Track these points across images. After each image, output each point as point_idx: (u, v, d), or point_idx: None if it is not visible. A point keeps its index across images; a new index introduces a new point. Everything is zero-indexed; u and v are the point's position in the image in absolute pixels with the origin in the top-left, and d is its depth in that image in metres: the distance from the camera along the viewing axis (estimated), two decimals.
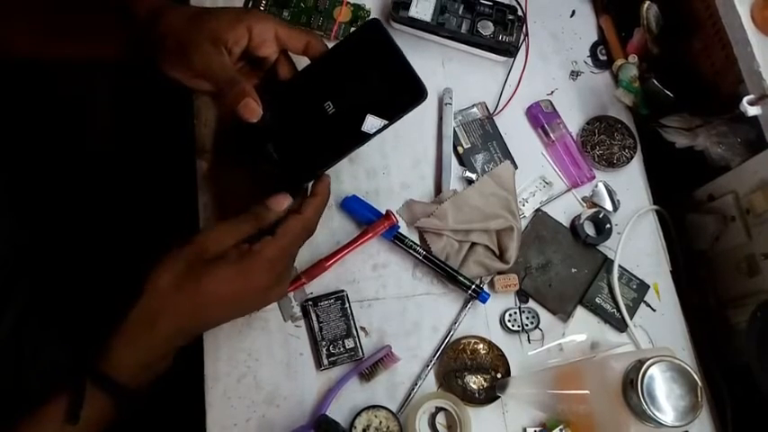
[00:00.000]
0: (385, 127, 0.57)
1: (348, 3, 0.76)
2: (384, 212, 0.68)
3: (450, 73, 0.77)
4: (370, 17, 0.57)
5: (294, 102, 0.60)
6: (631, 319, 0.70)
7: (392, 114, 0.57)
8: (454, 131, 0.73)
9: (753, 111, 0.60)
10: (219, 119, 0.70)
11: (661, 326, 0.71)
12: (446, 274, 0.67)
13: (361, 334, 0.67)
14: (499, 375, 0.66)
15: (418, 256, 0.68)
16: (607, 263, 0.71)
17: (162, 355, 0.56)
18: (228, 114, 0.61)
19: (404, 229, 0.70)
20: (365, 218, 0.69)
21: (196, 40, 0.57)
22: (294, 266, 0.67)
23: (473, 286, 0.67)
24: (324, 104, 0.58)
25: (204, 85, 0.59)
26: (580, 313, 0.70)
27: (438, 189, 0.72)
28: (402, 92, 0.57)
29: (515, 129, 0.75)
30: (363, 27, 0.58)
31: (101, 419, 0.53)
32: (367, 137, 0.57)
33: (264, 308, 0.66)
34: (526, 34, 0.75)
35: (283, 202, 0.58)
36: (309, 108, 0.59)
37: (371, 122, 0.57)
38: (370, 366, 0.64)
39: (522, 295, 0.70)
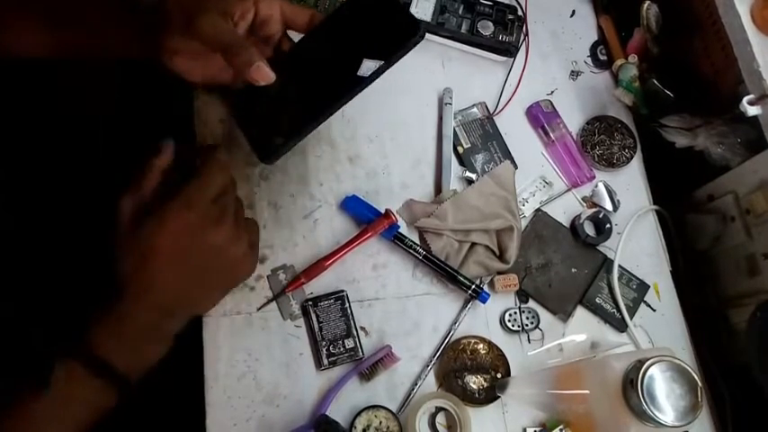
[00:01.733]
0: (381, 69, 0.57)
1: None
2: (383, 212, 0.68)
3: (450, 73, 0.77)
4: None
5: (297, 62, 0.61)
6: (631, 319, 0.70)
7: (388, 54, 0.57)
8: (454, 131, 0.73)
9: (753, 111, 0.60)
10: (219, 119, 0.70)
11: (661, 326, 0.71)
12: (446, 274, 0.67)
13: (361, 334, 0.67)
14: (499, 375, 0.66)
15: (418, 255, 0.68)
16: (607, 263, 0.71)
17: (146, 330, 0.56)
18: (237, 82, 0.61)
19: (404, 228, 0.70)
20: (365, 217, 0.69)
21: (204, 8, 0.57)
22: (293, 266, 0.67)
23: (473, 286, 0.67)
24: (322, 58, 0.59)
25: (206, 70, 0.59)
26: (580, 313, 0.70)
27: (438, 189, 0.72)
28: (396, 32, 0.57)
29: (515, 129, 0.75)
30: None
31: (93, 400, 0.54)
32: (364, 81, 0.57)
33: (265, 308, 0.66)
34: (526, 34, 0.75)
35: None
36: (310, 65, 0.60)
37: (367, 65, 0.57)
38: (370, 366, 0.64)
39: (522, 295, 0.70)
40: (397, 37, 0.57)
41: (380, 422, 0.62)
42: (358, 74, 0.57)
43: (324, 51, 0.60)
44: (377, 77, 0.57)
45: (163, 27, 0.58)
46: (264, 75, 0.56)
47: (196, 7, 0.57)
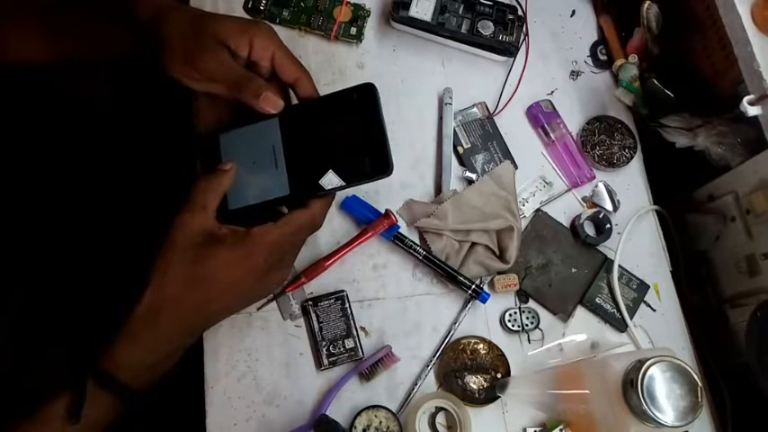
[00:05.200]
0: (341, 188, 0.57)
1: (348, 2, 0.76)
2: (383, 212, 0.68)
3: (450, 73, 0.77)
4: (367, 81, 0.57)
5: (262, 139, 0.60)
6: (631, 319, 0.70)
7: (352, 178, 0.56)
8: (454, 131, 0.73)
9: (753, 111, 0.60)
10: (218, 118, 0.70)
11: (661, 326, 0.71)
12: (446, 274, 0.67)
13: (361, 334, 0.67)
14: (499, 375, 0.66)
15: (418, 256, 0.68)
16: (607, 263, 0.71)
17: (167, 353, 0.55)
18: (230, 112, 0.61)
19: (404, 229, 0.70)
20: (365, 218, 0.69)
21: (203, 43, 0.57)
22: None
23: (473, 286, 0.67)
24: (294, 146, 0.58)
25: (206, 86, 0.59)
26: (580, 313, 0.70)
27: (438, 189, 0.72)
28: (370, 161, 0.56)
29: (515, 129, 0.75)
30: (358, 87, 0.58)
31: (104, 418, 0.53)
32: (321, 190, 0.57)
33: (264, 307, 0.66)
34: (526, 34, 0.75)
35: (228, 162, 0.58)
36: (282, 144, 0.59)
37: (330, 179, 0.56)
38: (370, 366, 0.64)
39: (522, 295, 0.70)
40: (369, 167, 0.56)
41: (380, 422, 0.62)
42: (319, 182, 0.56)
43: (297, 136, 0.59)
44: (332, 193, 0.57)
45: (162, 47, 0.58)
46: (273, 103, 0.57)
47: (196, 44, 0.57)
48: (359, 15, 0.76)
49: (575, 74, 0.79)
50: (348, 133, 0.57)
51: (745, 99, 0.60)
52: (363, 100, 0.57)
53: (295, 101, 0.62)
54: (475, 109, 0.75)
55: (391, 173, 0.55)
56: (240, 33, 0.58)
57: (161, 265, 0.54)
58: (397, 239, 0.68)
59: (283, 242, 0.57)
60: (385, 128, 0.56)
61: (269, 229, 0.55)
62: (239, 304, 0.60)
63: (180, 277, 0.54)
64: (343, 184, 0.56)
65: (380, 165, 0.56)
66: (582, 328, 0.70)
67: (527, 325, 0.68)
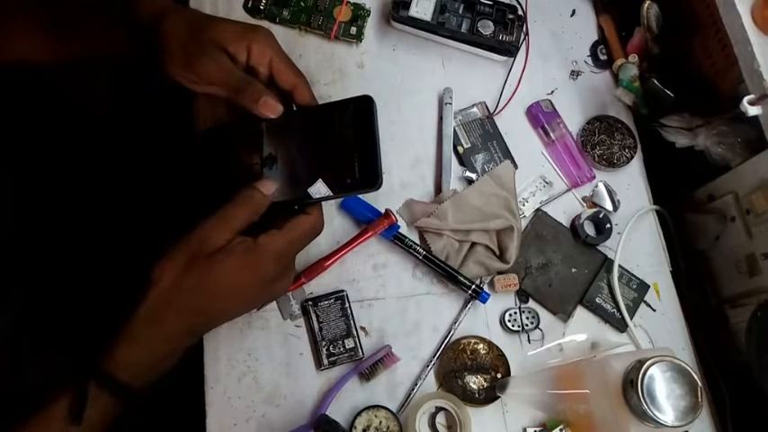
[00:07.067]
0: (328, 198, 0.57)
1: (348, 2, 0.76)
2: (383, 212, 0.68)
3: (450, 73, 0.77)
4: (365, 94, 0.57)
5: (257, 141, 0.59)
6: (631, 319, 0.70)
7: (340, 189, 0.56)
8: (454, 131, 0.73)
9: (753, 111, 0.60)
10: (218, 119, 0.70)
11: (661, 326, 0.71)
12: (446, 273, 0.67)
13: (361, 334, 0.67)
14: (499, 375, 0.66)
15: (418, 255, 0.68)
16: (607, 263, 0.71)
17: (168, 354, 0.55)
18: (229, 113, 0.61)
19: (404, 228, 0.70)
20: (365, 217, 0.69)
21: (202, 47, 0.57)
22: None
23: (473, 286, 0.67)
24: (287, 152, 0.58)
25: (206, 89, 0.59)
26: (580, 313, 0.70)
27: (438, 189, 0.72)
28: (360, 173, 0.55)
29: (515, 128, 0.75)
30: (355, 99, 0.57)
31: (104, 419, 0.53)
32: (309, 197, 0.57)
33: (264, 307, 0.66)
34: (526, 34, 0.75)
35: (271, 186, 0.57)
36: (271, 150, 0.59)
37: (319, 188, 0.56)
38: (370, 366, 0.65)
39: (522, 295, 0.70)
40: (358, 179, 0.55)
41: (380, 422, 0.62)
42: (308, 190, 0.56)
43: (291, 143, 0.58)
44: (319, 201, 0.57)
45: (161, 49, 0.57)
46: (272, 108, 0.56)
47: (195, 48, 0.57)
48: (359, 15, 0.76)
49: (575, 74, 0.79)
50: (341, 144, 0.57)
51: (745, 99, 0.60)
52: (360, 112, 0.57)
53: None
54: (475, 109, 0.75)
55: (380, 187, 0.55)
56: (238, 38, 0.58)
57: (168, 267, 0.54)
58: (396, 239, 0.68)
59: (290, 249, 0.57)
60: (378, 142, 0.56)
61: (275, 237, 0.55)
62: (243, 309, 0.60)
63: (185, 282, 0.53)
64: (331, 194, 0.56)
65: (369, 178, 0.55)
66: (582, 328, 0.70)
67: (527, 325, 0.68)
